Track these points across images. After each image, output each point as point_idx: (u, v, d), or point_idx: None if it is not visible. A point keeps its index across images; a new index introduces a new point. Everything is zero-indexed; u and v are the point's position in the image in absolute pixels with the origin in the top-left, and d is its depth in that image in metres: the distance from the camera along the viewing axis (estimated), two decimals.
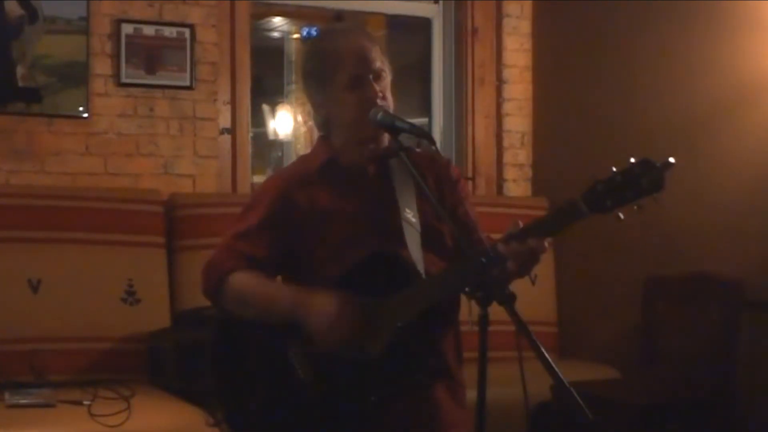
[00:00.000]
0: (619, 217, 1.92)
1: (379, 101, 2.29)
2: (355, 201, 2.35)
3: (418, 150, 2.35)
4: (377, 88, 2.31)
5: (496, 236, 2.16)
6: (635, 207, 1.92)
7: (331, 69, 2.32)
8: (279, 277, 2.41)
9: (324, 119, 2.40)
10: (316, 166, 2.39)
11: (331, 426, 2.24)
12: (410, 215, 2.30)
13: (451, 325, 2.33)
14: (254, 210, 2.39)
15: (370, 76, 2.31)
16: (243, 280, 2.33)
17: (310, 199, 2.35)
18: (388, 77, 2.36)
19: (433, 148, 2.22)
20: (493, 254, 2.03)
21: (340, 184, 2.36)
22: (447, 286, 2.17)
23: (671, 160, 1.87)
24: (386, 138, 2.35)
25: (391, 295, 2.19)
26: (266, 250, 2.34)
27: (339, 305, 2.19)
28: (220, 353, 2.43)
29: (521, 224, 2.06)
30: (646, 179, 1.89)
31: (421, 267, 2.24)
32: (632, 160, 1.91)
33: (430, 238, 2.31)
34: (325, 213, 2.33)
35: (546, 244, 2.04)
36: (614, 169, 1.93)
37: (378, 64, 2.33)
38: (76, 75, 4.31)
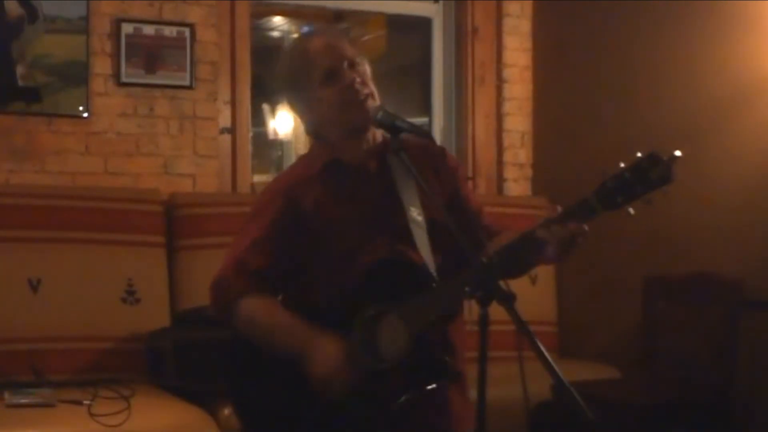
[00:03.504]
0: (629, 212, 1.94)
1: (357, 86, 2.28)
2: (360, 203, 2.33)
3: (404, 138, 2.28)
4: (354, 75, 2.29)
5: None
6: (644, 202, 1.93)
7: (303, 72, 2.31)
8: (285, 297, 2.38)
9: (312, 124, 2.37)
10: (318, 167, 2.36)
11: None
12: (415, 213, 2.28)
13: (456, 320, 2.33)
14: (260, 217, 2.37)
15: (345, 65, 2.29)
16: (252, 310, 2.31)
17: (315, 202, 2.32)
18: (364, 65, 2.33)
19: None
20: (500, 254, 2.04)
21: (344, 186, 2.34)
22: (455, 290, 2.15)
23: (677, 153, 1.89)
24: (379, 130, 2.34)
25: (404, 301, 2.18)
26: (275, 260, 2.32)
27: (341, 359, 2.18)
28: (236, 353, 2.40)
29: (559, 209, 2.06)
30: (654, 173, 1.89)
31: (432, 268, 2.23)
32: (639, 154, 1.92)
33: (435, 234, 2.29)
34: (332, 218, 2.31)
35: (585, 227, 2.03)
36: (621, 164, 1.93)
37: (349, 53, 2.31)
38: (76, 74, 4.31)
